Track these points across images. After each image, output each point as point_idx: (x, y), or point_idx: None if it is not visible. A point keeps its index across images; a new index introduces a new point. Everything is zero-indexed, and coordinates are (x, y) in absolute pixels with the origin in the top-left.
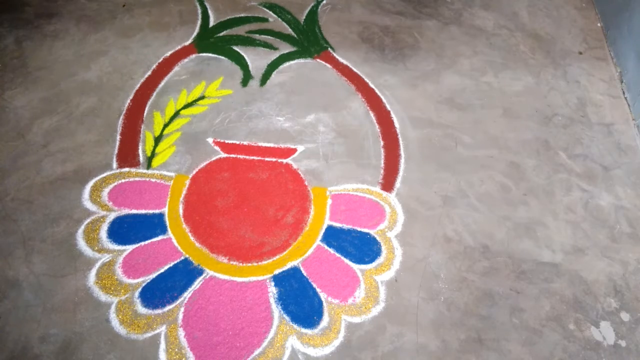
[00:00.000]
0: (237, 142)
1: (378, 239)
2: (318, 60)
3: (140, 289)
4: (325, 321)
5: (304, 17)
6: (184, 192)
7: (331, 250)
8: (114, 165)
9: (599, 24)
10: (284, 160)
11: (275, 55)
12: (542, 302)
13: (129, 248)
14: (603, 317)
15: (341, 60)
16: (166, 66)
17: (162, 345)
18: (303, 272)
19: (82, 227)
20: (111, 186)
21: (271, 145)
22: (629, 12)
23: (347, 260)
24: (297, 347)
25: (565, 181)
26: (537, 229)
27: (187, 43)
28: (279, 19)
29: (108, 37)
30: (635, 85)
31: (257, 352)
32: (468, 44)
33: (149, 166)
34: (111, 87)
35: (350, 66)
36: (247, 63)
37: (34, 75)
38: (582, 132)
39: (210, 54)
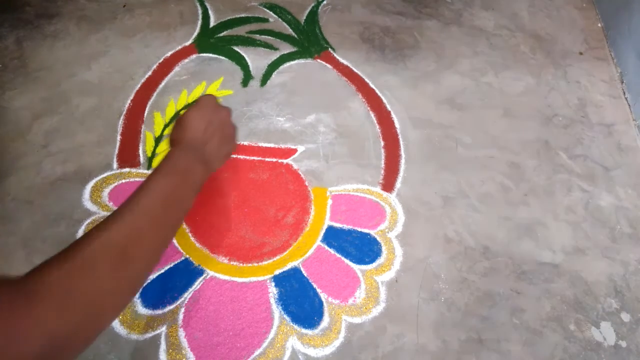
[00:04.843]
0: (238, 143)
1: (378, 239)
2: (318, 60)
3: (140, 289)
4: (325, 322)
5: (305, 18)
6: None
7: (331, 251)
8: (115, 165)
9: (599, 24)
10: (285, 161)
11: (275, 55)
12: (543, 302)
13: None
14: (603, 318)
15: (342, 60)
16: (166, 66)
17: (163, 346)
18: (303, 272)
19: (83, 227)
20: (112, 186)
21: (271, 145)
22: (630, 12)
23: (347, 261)
24: (298, 348)
25: (565, 181)
26: (538, 229)
27: (187, 43)
28: (280, 19)
29: (108, 37)
30: (636, 86)
31: (257, 352)
32: (468, 44)
33: (149, 166)
34: (111, 88)
35: (351, 66)
36: (247, 63)
37: (34, 76)
38: (583, 133)
39: (210, 54)
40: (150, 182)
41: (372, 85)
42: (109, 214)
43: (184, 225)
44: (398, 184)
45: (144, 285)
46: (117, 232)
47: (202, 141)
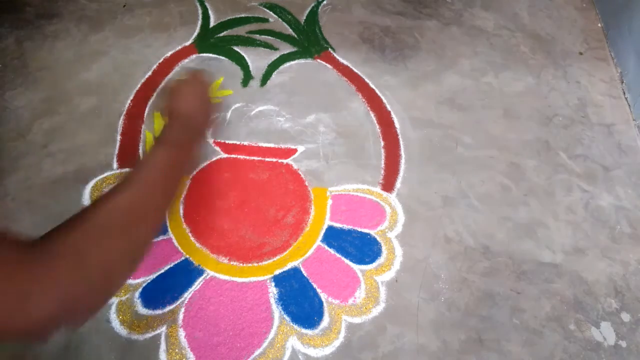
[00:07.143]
0: (238, 143)
1: (378, 239)
2: (318, 60)
3: (140, 290)
4: (325, 321)
5: (305, 18)
6: (185, 192)
7: (331, 251)
8: (115, 165)
9: (599, 24)
10: (285, 161)
11: (275, 55)
12: (543, 302)
13: None
14: (603, 318)
15: (342, 60)
16: (167, 66)
17: (163, 346)
18: (303, 272)
19: None
20: (111, 186)
21: (271, 145)
22: (630, 12)
23: (347, 261)
24: (298, 348)
25: (565, 181)
26: (538, 229)
27: (187, 43)
28: (280, 19)
29: (108, 37)
30: (636, 86)
31: (257, 352)
32: (468, 45)
33: None
34: (112, 88)
35: (351, 66)
36: (247, 63)
37: (34, 76)
38: (583, 133)
39: (210, 55)
40: (152, 155)
41: (372, 86)
42: None
43: (184, 226)
44: (398, 184)
45: (145, 285)
46: (124, 198)
47: (194, 116)
